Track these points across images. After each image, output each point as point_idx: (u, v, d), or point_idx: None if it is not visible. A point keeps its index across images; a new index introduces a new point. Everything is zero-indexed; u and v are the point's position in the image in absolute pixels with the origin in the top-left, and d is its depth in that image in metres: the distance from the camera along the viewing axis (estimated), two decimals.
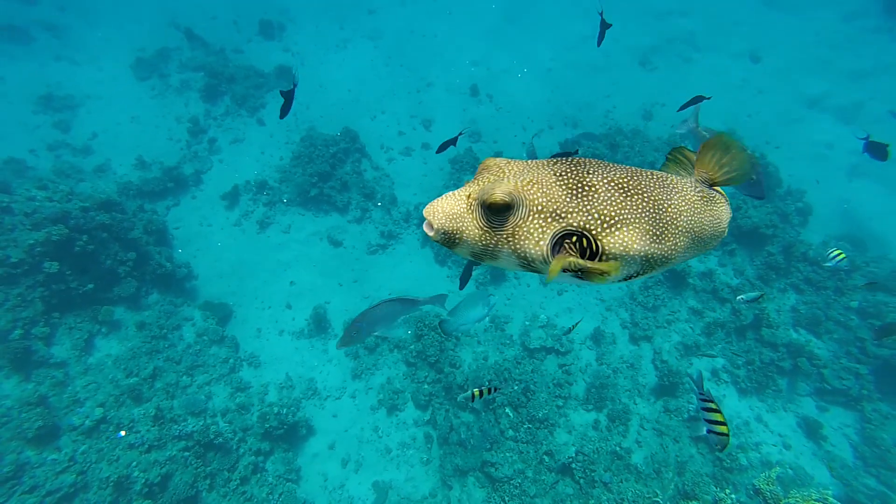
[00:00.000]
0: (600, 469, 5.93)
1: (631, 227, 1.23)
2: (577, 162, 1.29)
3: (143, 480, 5.70)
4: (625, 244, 1.23)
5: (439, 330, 6.98)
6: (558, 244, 1.23)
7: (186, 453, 6.05)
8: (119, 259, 7.35)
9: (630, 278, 1.34)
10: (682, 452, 6.18)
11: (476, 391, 4.34)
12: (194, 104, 10.91)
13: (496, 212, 1.23)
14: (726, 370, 7.12)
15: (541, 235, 1.23)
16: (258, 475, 6.30)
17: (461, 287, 4.73)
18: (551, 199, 1.22)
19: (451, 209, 1.26)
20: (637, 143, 10.01)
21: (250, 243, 9.02)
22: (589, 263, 1.21)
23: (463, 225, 1.26)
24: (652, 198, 1.27)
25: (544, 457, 6.17)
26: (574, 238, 1.23)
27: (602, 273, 1.21)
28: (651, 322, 7.53)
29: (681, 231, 1.30)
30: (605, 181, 1.24)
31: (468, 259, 1.34)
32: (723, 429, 2.85)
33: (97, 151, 9.78)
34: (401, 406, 7.07)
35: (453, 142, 5.18)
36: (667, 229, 1.28)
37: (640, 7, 15.26)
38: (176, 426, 6.20)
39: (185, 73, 11.43)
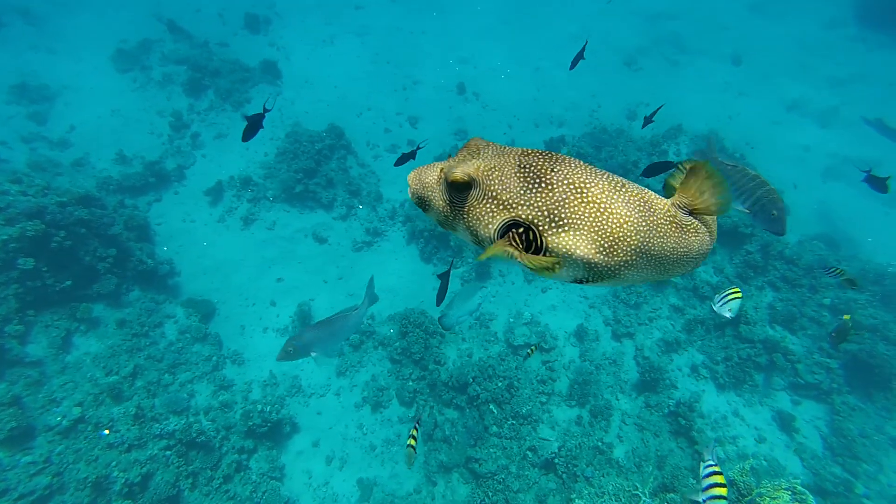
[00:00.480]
0: (582, 464, 6.04)
1: (579, 233, 1.24)
2: (551, 157, 1.30)
3: (123, 480, 5.64)
4: (568, 247, 1.25)
5: (438, 326, 7.04)
6: (505, 232, 1.29)
7: (168, 452, 6.00)
8: (98, 255, 7.23)
9: (579, 282, 1.36)
10: (663, 447, 6.33)
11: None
12: (177, 98, 10.75)
13: (456, 189, 1.33)
14: (705, 366, 7.30)
15: (490, 220, 1.30)
16: (241, 473, 6.28)
17: (438, 303, 4.82)
18: (506, 188, 1.27)
19: (426, 178, 1.39)
20: (621, 142, 10.17)
21: (234, 240, 8.94)
22: (523, 256, 1.25)
23: (432, 195, 1.38)
24: (609, 210, 1.25)
25: (528, 452, 6.27)
26: (521, 229, 1.27)
27: (537, 268, 1.23)
28: (633, 319, 7.68)
29: (635, 250, 1.28)
30: (566, 183, 1.25)
31: (437, 224, 1.47)
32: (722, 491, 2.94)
33: (75, 145, 9.58)
34: (385, 403, 7.10)
35: (412, 155, 5.23)
36: (618, 245, 1.26)
37: (630, 7, 15.46)
38: (157, 425, 6.14)
39: (168, 65, 11.25)
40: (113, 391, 6.35)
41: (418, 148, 5.59)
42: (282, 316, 8.11)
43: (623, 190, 1.29)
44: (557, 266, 1.25)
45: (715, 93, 12.88)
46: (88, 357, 6.69)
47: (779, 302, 7.87)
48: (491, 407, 6.62)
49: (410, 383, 7.13)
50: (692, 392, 6.91)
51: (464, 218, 1.34)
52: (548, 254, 1.27)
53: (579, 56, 6.01)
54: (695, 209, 1.36)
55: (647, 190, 1.35)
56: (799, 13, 15.46)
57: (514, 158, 1.31)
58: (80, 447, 5.86)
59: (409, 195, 1.44)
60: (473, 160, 1.33)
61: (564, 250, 1.25)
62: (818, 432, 6.75)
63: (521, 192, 1.26)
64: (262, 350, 7.80)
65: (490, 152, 1.34)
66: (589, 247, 1.25)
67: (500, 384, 6.79)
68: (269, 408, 6.66)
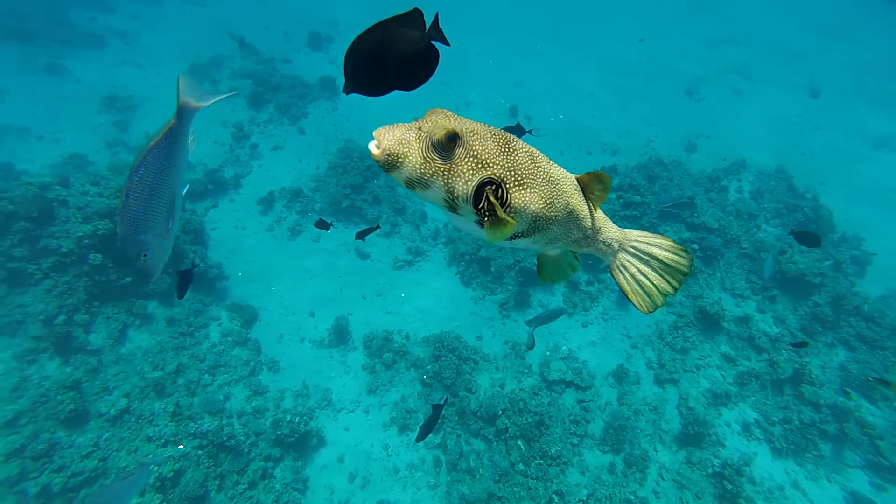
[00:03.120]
0: None
1: (533, 190, 1.51)
2: (505, 132, 1.53)
3: (157, 474, 6.01)
4: (525, 202, 1.50)
5: (472, 353, 7.38)
6: (480, 189, 1.45)
7: (200, 452, 6.34)
8: None
9: (513, 238, 1.59)
10: None
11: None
12: (240, 110, 11.57)
13: (443, 146, 1.41)
14: (759, 425, 6.85)
15: (470, 176, 1.43)
16: (266, 481, 6.51)
17: (418, 440, 5.00)
18: (485, 148, 1.45)
19: (402, 135, 1.44)
20: (677, 175, 9.89)
21: (280, 249, 9.42)
22: (499, 211, 1.45)
23: (409, 151, 1.43)
24: (551, 173, 1.57)
25: (554, 496, 6.10)
26: (493, 186, 1.46)
27: (504, 222, 1.44)
28: (679, 365, 7.35)
29: (563, 205, 1.60)
30: (524, 150, 1.51)
31: (404, 187, 1.50)
32: None
33: None
34: (412, 426, 7.15)
35: (373, 230, 5.55)
36: (557, 200, 1.57)
37: (690, 34, 15.13)
38: (192, 424, 6.51)
39: (235, 79, 12.16)
40: (157, 386, 6.81)
41: (377, 227, 5.96)
42: (319, 328, 8.41)
43: (550, 161, 1.61)
44: (515, 223, 1.47)
45: (786, 125, 12.26)
46: (140, 351, 7.23)
47: (853, 363, 7.28)
48: (519, 442, 6.52)
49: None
50: (742, 453, 6.49)
51: (444, 174, 1.43)
52: (507, 209, 1.49)
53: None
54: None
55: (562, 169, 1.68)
56: (882, 34, 14.47)
57: (483, 126, 1.49)
58: (123, 436, 6.31)
59: (379, 152, 1.43)
60: (452, 121, 1.45)
61: (521, 205, 1.50)
62: None
63: (496, 153, 1.45)
64: (298, 359, 8.11)
65: (458, 119, 1.48)
66: (539, 202, 1.52)
67: (530, 419, 6.69)
68: (298, 418, 6.89)
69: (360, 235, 5.54)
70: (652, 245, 1.86)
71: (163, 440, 6.31)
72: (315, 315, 8.58)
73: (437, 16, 1.83)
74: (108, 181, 7.98)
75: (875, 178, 11.12)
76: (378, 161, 1.45)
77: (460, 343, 7.54)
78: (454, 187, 1.44)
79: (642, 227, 9.03)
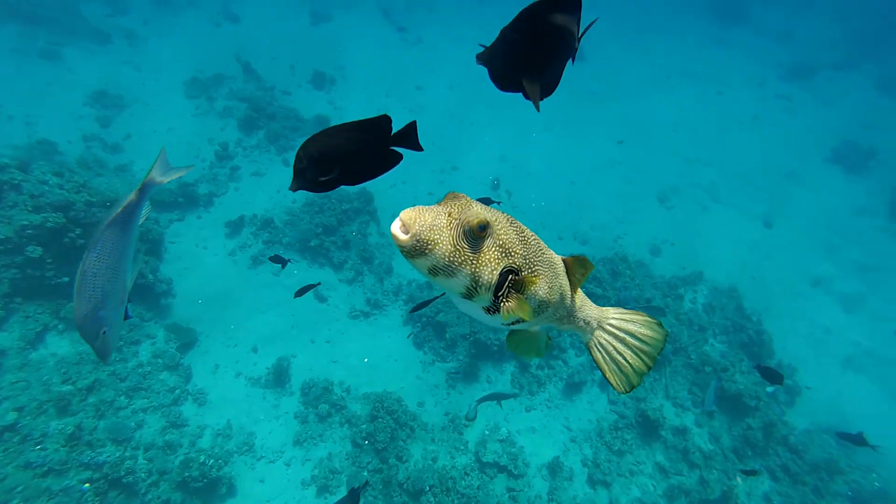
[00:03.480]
0: None
1: (541, 277, 1.58)
2: (514, 219, 1.60)
3: None
4: (535, 288, 1.56)
5: (410, 419, 7.25)
6: (503, 276, 1.47)
7: (86, 486, 5.71)
8: None
9: (512, 323, 1.61)
10: None
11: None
12: (230, 130, 11.63)
13: (475, 235, 1.41)
14: None
15: (496, 265, 1.45)
16: None
17: None
18: (508, 238, 1.49)
19: (433, 221, 1.38)
20: (639, 275, 10.35)
21: (238, 276, 9.16)
22: (521, 300, 1.50)
23: (440, 238, 1.38)
24: (551, 259, 1.66)
25: None
26: (513, 275, 1.50)
27: (523, 309, 1.48)
28: (614, 467, 7.33)
29: (560, 288, 1.68)
30: (534, 239, 1.59)
31: (424, 274, 1.45)
32: None
33: (125, 151, 10.32)
34: (333, 489, 6.76)
35: (313, 287, 5.75)
36: (555, 284, 1.65)
37: (671, 148, 16.44)
38: (89, 452, 5.91)
39: (232, 100, 12.31)
40: (61, 402, 6.24)
41: (318, 284, 6.08)
42: (259, 365, 8.06)
43: (546, 245, 1.71)
44: (529, 308, 1.51)
45: (742, 249, 13.19)
46: (54, 359, 6.69)
47: (776, 495, 7.42)
48: None
49: (365, 474, 6.82)
50: None
51: (472, 262, 1.41)
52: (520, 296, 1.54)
53: None
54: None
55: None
56: (833, 191, 16.14)
57: (500, 214, 1.54)
58: None
59: (407, 238, 1.35)
60: (482, 209, 1.45)
61: (533, 291, 1.55)
62: None
63: (516, 241, 1.50)
64: (229, 395, 7.67)
65: (483, 207, 1.50)
66: (546, 287, 1.60)
67: (456, 501, 6.43)
68: (212, 461, 6.42)
69: (300, 293, 5.58)
70: (628, 321, 1.91)
71: (45, 468, 5.67)
72: (258, 351, 8.25)
73: (414, 124, 1.92)
74: (72, 174, 7.72)
75: (810, 315, 11.93)
76: (403, 246, 1.37)
77: (400, 406, 7.34)
78: (481, 276, 1.43)
79: None
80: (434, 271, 1.41)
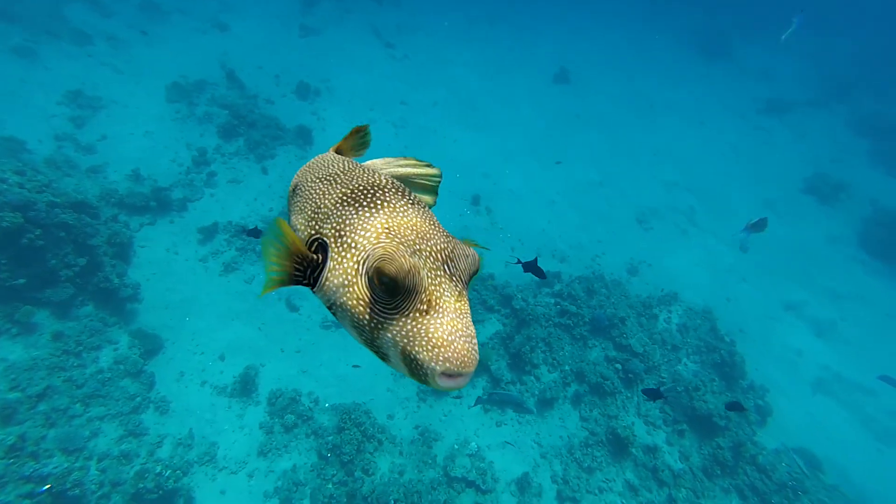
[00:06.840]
0: None
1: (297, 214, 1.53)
2: None
3: None
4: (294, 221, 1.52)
5: (378, 431, 7.20)
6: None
7: (26, 502, 5.55)
8: (66, 262, 7.47)
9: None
10: None
11: None
12: (209, 137, 11.77)
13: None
14: None
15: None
16: None
17: None
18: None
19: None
20: (615, 294, 10.65)
21: (209, 283, 9.18)
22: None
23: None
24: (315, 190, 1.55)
25: None
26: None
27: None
28: (583, 484, 7.45)
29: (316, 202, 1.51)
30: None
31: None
32: None
33: (99, 153, 10.36)
34: (295, 502, 6.73)
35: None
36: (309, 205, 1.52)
37: (651, 173, 17.08)
38: (32, 464, 5.76)
39: (213, 107, 12.48)
40: (6, 410, 6.10)
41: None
42: (226, 374, 8.04)
43: None
44: None
45: (718, 272, 13.67)
46: (3, 364, 6.59)
47: None
48: None
49: (330, 486, 6.82)
50: None
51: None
52: None
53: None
54: None
55: None
56: (806, 221, 16.90)
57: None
58: None
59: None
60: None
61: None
62: None
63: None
64: (193, 404, 7.63)
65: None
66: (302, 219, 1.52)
67: None
68: (168, 472, 6.36)
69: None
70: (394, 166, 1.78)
71: None
72: (225, 359, 8.24)
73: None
74: (36, 174, 7.72)
75: (782, 337, 12.39)
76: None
77: (369, 419, 7.39)
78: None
79: (573, 338, 9.53)
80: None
